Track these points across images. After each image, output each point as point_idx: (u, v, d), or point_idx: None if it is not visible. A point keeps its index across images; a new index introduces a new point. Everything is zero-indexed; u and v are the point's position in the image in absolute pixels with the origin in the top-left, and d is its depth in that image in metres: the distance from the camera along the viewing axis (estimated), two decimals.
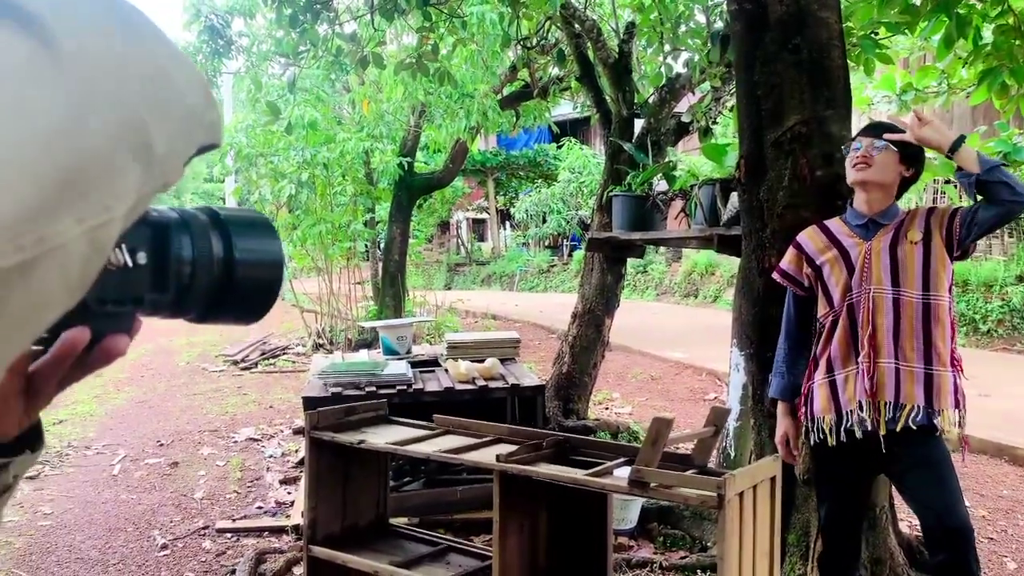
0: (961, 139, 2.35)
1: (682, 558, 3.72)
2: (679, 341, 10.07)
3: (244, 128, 9.71)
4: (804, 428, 2.65)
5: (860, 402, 2.47)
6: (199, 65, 7.79)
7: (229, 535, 4.16)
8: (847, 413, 2.50)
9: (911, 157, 2.51)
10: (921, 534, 3.03)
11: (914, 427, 2.39)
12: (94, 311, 0.46)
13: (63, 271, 0.34)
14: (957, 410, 2.44)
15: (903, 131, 2.47)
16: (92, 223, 0.34)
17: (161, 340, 11.13)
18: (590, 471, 2.14)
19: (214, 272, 0.52)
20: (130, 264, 0.47)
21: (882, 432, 2.44)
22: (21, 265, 0.31)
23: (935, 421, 2.40)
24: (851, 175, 2.52)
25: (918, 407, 2.40)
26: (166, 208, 0.51)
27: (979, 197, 2.36)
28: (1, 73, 0.32)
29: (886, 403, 2.44)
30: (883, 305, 2.45)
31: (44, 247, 0.32)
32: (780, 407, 2.73)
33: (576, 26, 5.61)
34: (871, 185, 2.49)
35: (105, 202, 0.35)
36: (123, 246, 0.46)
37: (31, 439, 0.50)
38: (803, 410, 2.64)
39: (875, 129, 2.52)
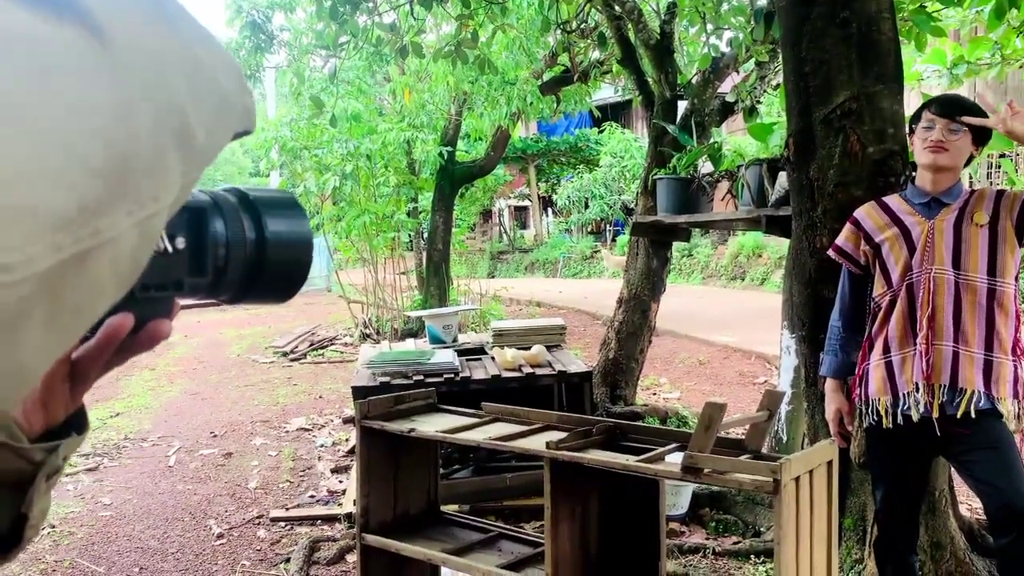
0: None
1: (735, 543, 3.69)
2: (726, 325, 9.96)
3: (288, 122, 9.81)
4: (858, 410, 2.60)
5: (917, 384, 2.41)
6: (241, 61, 7.88)
7: (283, 524, 4.23)
8: (904, 395, 2.44)
9: (983, 136, 2.43)
10: (982, 517, 2.96)
11: (973, 414, 2.33)
12: (137, 297, 0.46)
13: (115, 262, 0.34)
14: (1017, 400, 2.37)
15: (980, 111, 2.38)
16: (142, 214, 0.35)
17: (211, 333, 11.33)
18: (642, 457, 2.12)
19: (247, 253, 0.52)
20: (170, 250, 0.48)
21: (934, 415, 2.38)
22: (77, 257, 0.31)
23: (997, 405, 2.34)
24: (923, 157, 2.43)
25: (979, 392, 2.34)
26: (196, 190, 0.51)
27: None
28: (54, 66, 0.32)
29: (941, 386, 2.38)
30: (944, 286, 2.38)
31: (98, 239, 0.32)
32: (831, 384, 2.68)
33: (616, 8, 5.54)
34: (943, 168, 2.42)
35: (154, 193, 0.35)
36: (163, 232, 0.46)
37: (77, 422, 0.51)
38: (857, 391, 2.58)
39: (949, 107, 2.41)
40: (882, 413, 2.48)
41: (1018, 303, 2.43)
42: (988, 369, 2.35)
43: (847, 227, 2.62)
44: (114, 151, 0.33)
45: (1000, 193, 2.43)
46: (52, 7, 0.33)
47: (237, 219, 0.52)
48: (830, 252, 2.68)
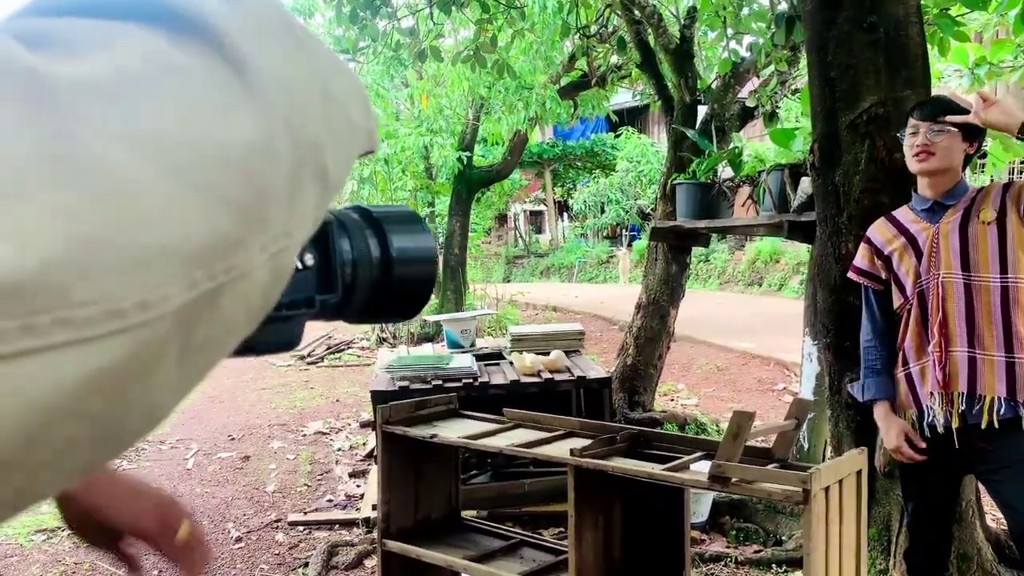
0: None
1: (756, 552, 3.65)
2: (745, 331, 9.90)
3: None
4: None
5: (932, 393, 2.36)
6: None
7: (301, 528, 4.23)
8: (927, 407, 2.39)
9: (973, 133, 2.34)
10: None
11: (996, 424, 2.27)
12: (271, 316, 0.46)
13: (246, 299, 0.33)
14: None
15: (963, 109, 2.31)
16: (274, 249, 0.34)
17: None
18: (667, 466, 2.10)
19: (373, 271, 0.51)
20: (300, 267, 0.47)
21: (955, 425, 2.32)
22: (211, 293, 0.31)
23: (1021, 413, 2.27)
24: (913, 165, 2.37)
25: (999, 399, 2.26)
26: None
27: None
28: (194, 96, 0.31)
29: (959, 394, 2.31)
30: (953, 291, 2.32)
31: (232, 275, 0.32)
32: (881, 409, 2.51)
33: (636, 12, 5.52)
34: (935, 172, 2.37)
35: (287, 228, 0.35)
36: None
37: None
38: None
39: (930, 110, 2.35)
40: (909, 427, 2.44)
41: None
42: (1011, 372, 2.26)
43: (861, 247, 2.59)
44: (252, 186, 0.32)
45: (1007, 186, 2.35)
46: (189, 30, 0.32)
47: (362, 237, 0.51)
48: (851, 275, 2.63)
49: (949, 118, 2.31)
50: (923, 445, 2.42)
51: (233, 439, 6.04)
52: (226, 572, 3.75)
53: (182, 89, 0.31)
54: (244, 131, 0.32)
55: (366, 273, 0.51)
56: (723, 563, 3.52)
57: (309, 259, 0.48)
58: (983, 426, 2.28)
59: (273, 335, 0.47)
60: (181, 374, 0.31)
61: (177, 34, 0.32)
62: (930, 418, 2.37)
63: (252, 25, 0.35)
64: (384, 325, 10.33)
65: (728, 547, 3.75)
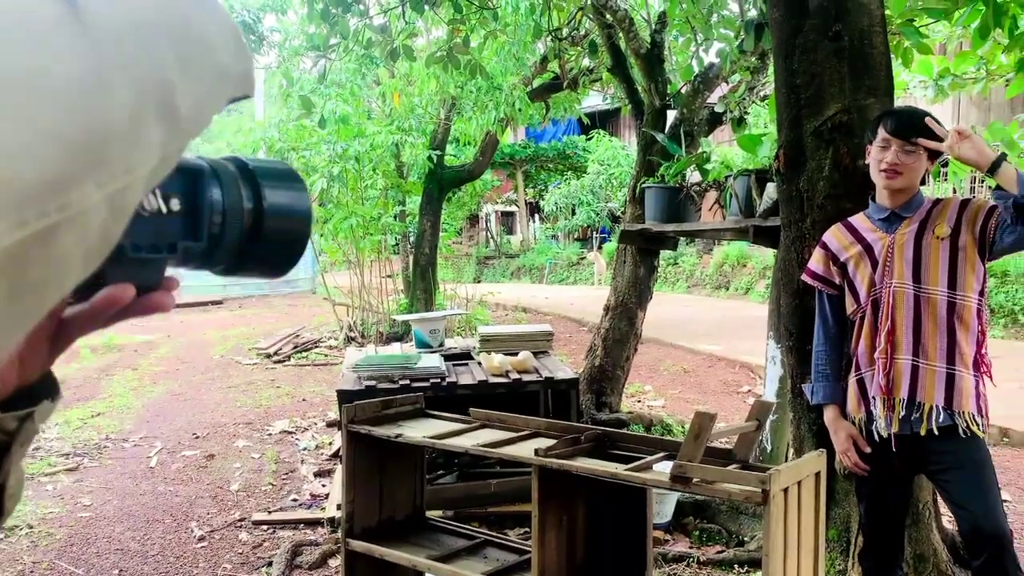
0: (1002, 157, 2.22)
1: (719, 552, 3.69)
2: (711, 333, 9.99)
3: (276, 124, 9.77)
4: None
5: (874, 398, 2.41)
6: None
7: (265, 527, 4.20)
8: (875, 412, 2.44)
9: (937, 153, 2.39)
10: None
11: (936, 431, 2.32)
12: (129, 257, 0.45)
13: (83, 237, 0.33)
14: (979, 415, 2.35)
15: (933, 132, 2.34)
16: (113, 188, 0.34)
17: (195, 334, 11.25)
18: (630, 466, 2.12)
19: (244, 223, 0.51)
20: (164, 210, 0.46)
21: (894, 430, 2.38)
22: (43, 232, 0.31)
23: (957, 421, 2.32)
24: (880, 180, 2.42)
25: (938, 407, 2.33)
26: (194, 156, 0.50)
27: (1017, 217, 2.22)
28: (24, 34, 0.31)
29: (901, 400, 2.37)
30: (903, 301, 2.38)
31: (65, 213, 0.31)
32: (830, 412, 2.56)
33: (607, 16, 5.56)
34: (900, 189, 2.42)
35: (126, 166, 0.34)
36: (157, 192, 0.45)
37: (49, 388, 0.50)
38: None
39: (904, 128, 2.36)
40: (859, 429, 2.49)
41: (984, 319, 2.40)
42: (950, 383, 2.33)
43: (817, 251, 2.63)
44: (84, 123, 0.31)
45: (964, 204, 2.41)
46: None
47: (235, 187, 0.50)
48: (804, 278, 2.68)
49: (922, 142, 2.34)
50: (868, 449, 2.48)
51: (198, 437, 5.98)
52: (188, 571, 3.71)
53: (2, 26, 0.30)
54: (73, 67, 0.31)
55: (236, 223, 0.50)
56: (686, 563, 3.55)
57: (175, 204, 0.47)
58: (923, 432, 2.34)
59: (133, 277, 0.46)
60: (13, 312, 0.31)
61: None
62: (874, 423, 2.42)
63: None
64: (353, 324, 10.29)
65: (691, 547, 3.78)
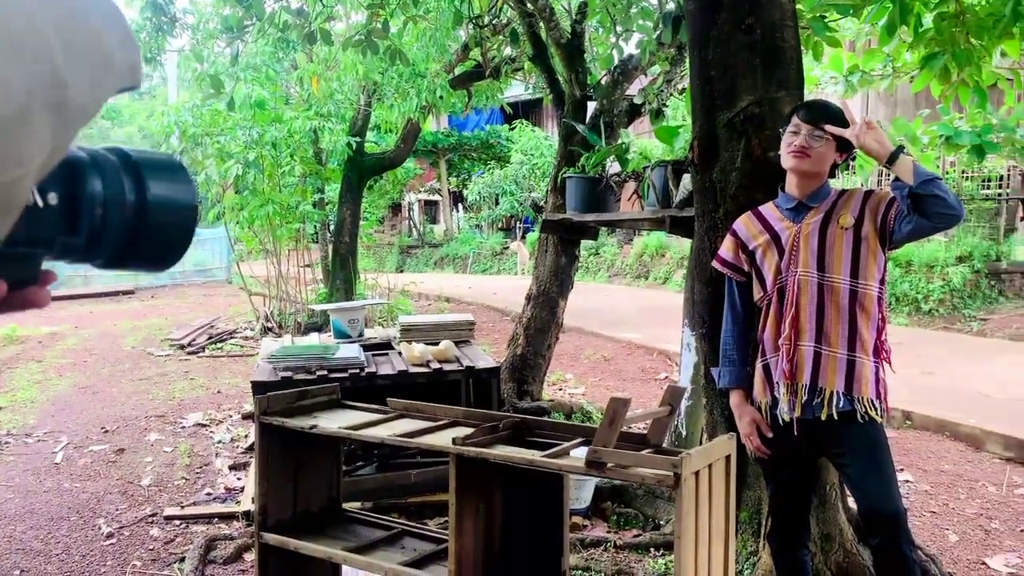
0: (899, 150, 2.31)
1: (635, 536, 3.75)
2: (631, 322, 10.15)
3: (190, 108, 9.47)
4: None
5: (778, 384, 2.49)
6: (142, 43, 7.56)
7: (178, 522, 4.08)
8: (776, 397, 2.52)
9: (847, 145, 2.48)
10: None
11: (836, 416, 2.40)
12: (4, 253, 0.43)
13: None
14: (878, 400, 2.44)
15: (844, 121, 2.44)
16: (3, 179, 0.32)
17: (104, 324, 10.86)
18: (546, 452, 2.13)
19: (126, 215, 0.49)
20: (40, 204, 0.44)
21: (796, 415, 2.45)
22: None
23: (856, 407, 2.40)
24: (787, 161, 2.49)
25: (838, 393, 2.40)
26: (74, 147, 0.48)
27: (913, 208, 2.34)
28: None
29: (803, 385, 2.44)
30: (807, 288, 2.44)
31: None
32: (735, 397, 2.64)
33: (528, 5, 5.56)
34: (806, 173, 2.50)
35: (16, 158, 0.33)
36: (33, 186, 0.44)
37: None
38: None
39: (815, 115, 2.46)
40: (764, 414, 2.56)
41: (884, 306, 2.49)
42: (851, 369, 2.41)
43: (727, 238, 2.69)
44: None
45: (868, 195, 2.49)
46: None
47: (117, 179, 0.49)
48: (714, 264, 2.73)
49: (829, 128, 2.43)
50: (771, 434, 2.56)
51: (107, 431, 5.78)
52: (95, 569, 3.58)
53: None
54: None
55: (118, 216, 0.49)
56: (603, 548, 3.60)
57: (53, 197, 0.45)
58: (823, 417, 2.42)
59: (10, 273, 0.45)
60: None
61: None
62: (778, 407, 2.50)
63: None
64: (270, 314, 10.08)
65: (608, 532, 3.84)
